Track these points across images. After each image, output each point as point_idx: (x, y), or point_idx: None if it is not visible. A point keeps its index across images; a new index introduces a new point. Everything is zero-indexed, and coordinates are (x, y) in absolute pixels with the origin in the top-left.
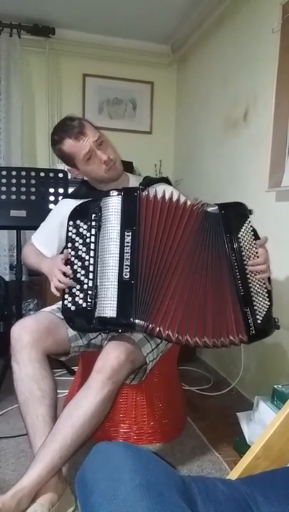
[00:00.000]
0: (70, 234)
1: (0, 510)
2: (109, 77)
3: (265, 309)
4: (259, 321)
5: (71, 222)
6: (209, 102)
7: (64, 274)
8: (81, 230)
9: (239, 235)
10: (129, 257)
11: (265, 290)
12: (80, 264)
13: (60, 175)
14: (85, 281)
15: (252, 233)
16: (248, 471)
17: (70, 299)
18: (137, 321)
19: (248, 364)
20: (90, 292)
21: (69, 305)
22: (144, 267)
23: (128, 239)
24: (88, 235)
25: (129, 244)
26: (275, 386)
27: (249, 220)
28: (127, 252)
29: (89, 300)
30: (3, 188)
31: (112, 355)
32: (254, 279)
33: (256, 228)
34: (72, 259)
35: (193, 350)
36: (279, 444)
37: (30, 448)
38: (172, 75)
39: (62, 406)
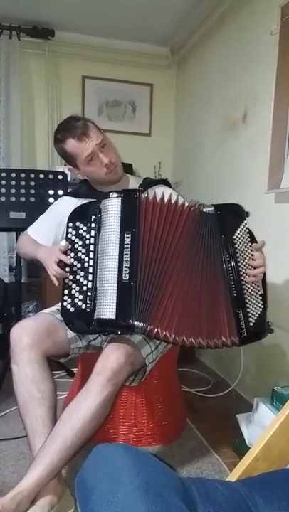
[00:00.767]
0: (69, 235)
1: None
2: (109, 79)
3: (258, 312)
4: (251, 324)
5: (70, 224)
6: (208, 104)
7: (61, 263)
8: (80, 231)
9: (234, 237)
10: (128, 259)
11: (259, 293)
12: (79, 265)
13: (60, 177)
14: (84, 282)
15: (248, 235)
16: (247, 472)
17: (69, 300)
18: (136, 322)
19: (248, 366)
20: (89, 294)
21: (68, 306)
22: (144, 268)
23: (128, 241)
24: (88, 236)
25: (129, 246)
26: (275, 388)
27: (245, 222)
28: (126, 254)
29: (88, 301)
30: (3, 190)
31: (111, 357)
32: (248, 282)
33: (255, 230)
34: (72, 260)
35: (192, 352)
36: (278, 446)
37: (29, 450)
38: (171, 77)
39: (62, 408)
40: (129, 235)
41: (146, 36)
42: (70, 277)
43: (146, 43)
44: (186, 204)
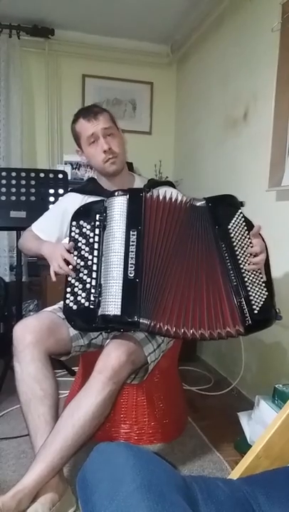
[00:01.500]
0: (72, 234)
1: (0, 510)
2: (109, 77)
3: (263, 300)
4: (256, 312)
5: (74, 223)
6: (209, 102)
7: (66, 261)
8: (84, 230)
9: (229, 226)
10: (134, 256)
11: (262, 280)
12: (82, 263)
13: (60, 176)
14: (88, 280)
15: (244, 224)
16: (249, 470)
17: (71, 298)
18: (141, 319)
19: (249, 363)
20: (92, 291)
21: (71, 304)
22: (149, 265)
23: (133, 238)
24: (92, 235)
25: (135, 243)
26: (276, 385)
27: (240, 211)
28: (132, 251)
29: (92, 299)
30: (3, 189)
31: (113, 356)
32: (248, 270)
33: None
34: (75, 258)
35: (193, 350)
36: (280, 444)
37: (31, 448)
38: (172, 75)
39: (63, 406)
40: (135, 233)
41: (146, 34)
42: (73, 275)
43: (146, 41)
44: (184, 201)
